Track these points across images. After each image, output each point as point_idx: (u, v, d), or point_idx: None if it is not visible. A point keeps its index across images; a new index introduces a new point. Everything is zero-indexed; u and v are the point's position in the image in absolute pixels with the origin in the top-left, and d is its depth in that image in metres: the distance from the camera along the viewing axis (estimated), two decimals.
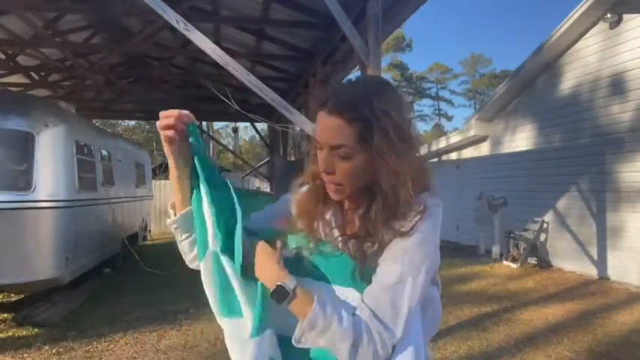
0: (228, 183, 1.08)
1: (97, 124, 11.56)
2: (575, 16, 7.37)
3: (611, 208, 7.13)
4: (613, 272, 7.05)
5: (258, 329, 0.96)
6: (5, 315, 5.38)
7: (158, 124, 0.99)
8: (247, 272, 1.00)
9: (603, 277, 7.14)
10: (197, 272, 1.10)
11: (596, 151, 7.38)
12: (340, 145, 0.93)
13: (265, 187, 14.18)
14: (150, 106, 12.48)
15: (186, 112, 1.01)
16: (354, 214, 1.02)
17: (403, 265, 0.90)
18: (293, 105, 6.25)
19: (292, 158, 12.81)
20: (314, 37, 6.84)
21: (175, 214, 1.10)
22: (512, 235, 8.61)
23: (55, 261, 5.29)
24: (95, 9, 6.19)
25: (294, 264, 1.00)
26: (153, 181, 13.26)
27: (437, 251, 0.95)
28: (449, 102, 53.84)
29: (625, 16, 6.87)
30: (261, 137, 17.14)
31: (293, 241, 1.06)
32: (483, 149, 10.73)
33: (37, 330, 4.89)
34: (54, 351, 4.29)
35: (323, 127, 0.95)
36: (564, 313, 5.42)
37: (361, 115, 0.91)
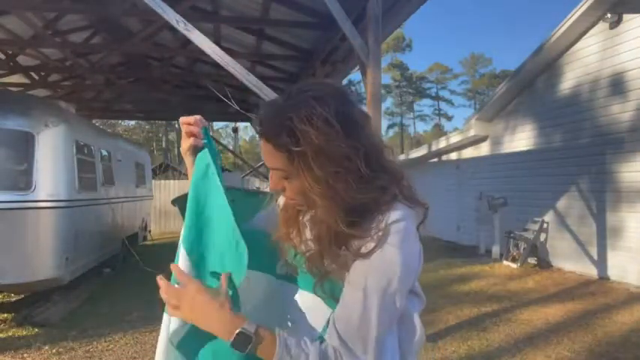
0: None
1: (97, 124, 11.56)
2: (575, 16, 7.37)
3: (611, 208, 7.13)
4: (613, 272, 7.05)
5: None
6: (5, 315, 5.38)
7: (185, 129, 1.06)
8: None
9: (603, 277, 7.14)
10: None
11: (596, 151, 7.38)
12: (277, 168, 0.94)
13: (265, 187, 14.17)
14: (150, 106, 12.48)
15: (199, 117, 1.09)
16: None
17: (367, 289, 0.86)
18: None
19: None
20: (314, 37, 6.84)
21: None
22: (512, 235, 8.61)
23: (55, 261, 5.29)
24: (95, 9, 6.19)
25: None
26: (153, 181, 13.26)
27: (407, 267, 0.88)
28: (449, 102, 53.95)
29: (625, 16, 6.88)
30: None
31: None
32: (483, 149, 10.73)
33: (37, 330, 4.89)
34: (54, 351, 4.29)
35: (262, 150, 0.95)
36: (564, 313, 5.42)
37: (282, 142, 0.89)
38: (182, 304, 0.90)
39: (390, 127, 53.54)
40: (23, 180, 5.10)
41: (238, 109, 7.22)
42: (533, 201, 8.80)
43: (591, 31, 7.53)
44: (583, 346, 4.37)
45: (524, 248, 8.34)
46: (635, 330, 4.79)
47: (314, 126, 0.86)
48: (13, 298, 6.21)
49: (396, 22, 5.49)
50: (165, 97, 11.04)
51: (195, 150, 1.08)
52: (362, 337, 0.87)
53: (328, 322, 0.93)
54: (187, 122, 1.07)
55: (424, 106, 54.75)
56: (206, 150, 1.07)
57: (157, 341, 1.07)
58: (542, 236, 8.46)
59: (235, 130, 17.33)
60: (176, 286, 0.94)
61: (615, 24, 7.02)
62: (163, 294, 0.93)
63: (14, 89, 8.73)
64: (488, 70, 51.47)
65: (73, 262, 5.66)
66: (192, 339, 0.97)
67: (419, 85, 52.72)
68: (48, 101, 7.32)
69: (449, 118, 55.06)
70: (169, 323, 0.99)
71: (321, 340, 0.92)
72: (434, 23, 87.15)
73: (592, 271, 7.36)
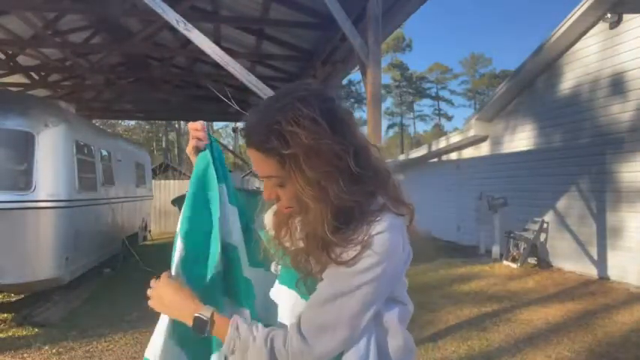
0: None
1: (97, 124, 11.57)
2: (575, 17, 7.37)
3: (611, 208, 7.13)
4: (613, 272, 7.04)
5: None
6: (5, 315, 5.37)
7: (193, 134, 1.16)
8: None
9: (603, 277, 7.14)
10: None
11: (596, 151, 7.38)
12: (269, 175, 0.94)
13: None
14: (150, 106, 12.49)
15: (203, 122, 1.20)
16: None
17: (334, 289, 0.88)
18: None
19: None
20: (314, 37, 6.84)
21: None
22: (512, 235, 8.60)
23: (55, 261, 5.29)
24: (95, 9, 6.19)
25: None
26: (153, 181, 13.26)
27: (384, 277, 0.89)
28: (449, 102, 53.90)
29: (625, 16, 6.87)
30: None
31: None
32: (483, 149, 10.73)
33: (37, 330, 4.89)
34: (54, 351, 4.29)
35: (252, 159, 0.96)
36: (564, 313, 5.41)
37: (272, 146, 0.89)
38: (154, 296, 1.02)
39: (390, 127, 53.56)
40: (23, 180, 5.09)
41: (238, 109, 7.19)
42: (533, 201, 8.80)
43: (591, 31, 7.53)
44: (583, 346, 4.37)
45: (524, 248, 8.34)
46: (635, 330, 4.79)
47: (302, 126, 0.87)
48: (13, 298, 6.21)
49: (396, 22, 5.49)
50: (165, 97, 11.04)
51: (199, 151, 1.18)
52: (318, 323, 0.89)
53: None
54: (195, 128, 1.16)
55: (424, 106, 54.77)
56: (207, 151, 1.17)
57: None
58: (542, 236, 8.46)
59: (235, 130, 17.34)
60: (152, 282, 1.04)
61: (615, 24, 7.02)
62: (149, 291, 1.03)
63: (14, 89, 8.73)
64: (488, 70, 51.49)
65: (73, 262, 5.66)
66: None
67: (419, 85, 52.69)
68: (48, 101, 7.32)
69: (449, 118, 55.07)
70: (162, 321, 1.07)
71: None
72: (434, 23, 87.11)
73: (592, 271, 7.36)
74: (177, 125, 40.07)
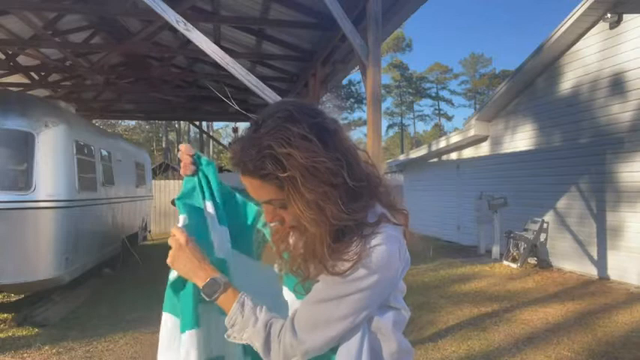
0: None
1: (97, 124, 11.56)
2: (575, 16, 7.37)
3: (610, 208, 7.13)
4: (613, 272, 7.05)
5: (187, 324, 1.01)
6: (5, 315, 5.38)
7: (182, 158, 1.19)
8: None
9: (603, 277, 7.14)
10: None
11: (596, 151, 7.38)
12: (269, 200, 0.94)
13: None
14: (150, 106, 12.47)
15: (187, 145, 1.21)
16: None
17: (328, 291, 0.91)
18: None
19: None
20: (314, 37, 6.83)
21: None
22: (512, 235, 8.60)
23: (55, 261, 5.29)
24: (95, 9, 6.19)
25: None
26: (153, 181, 13.26)
27: (377, 287, 0.91)
28: (449, 102, 53.85)
29: (625, 16, 6.88)
30: None
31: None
32: (483, 149, 10.73)
33: (37, 330, 4.89)
34: (54, 351, 4.29)
35: (247, 187, 0.95)
36: (564, 313, 5.42)
37: (268, 171, 0.88)
38: (172, 253, 1.01)
39: (390, 127, 53.56)
40: (23, 180, 5.09)
41: (238, 109, 7.22)
42: (533, 201, 8.80)
43: (591, 31, 7.53)
44: (583, 346, 4.37)
45: (524, 248, 8.34)
46: (635, 330, 4.79)
47: (294, 147, 0.86)
48: (13, 298, 6.21)
49: (396, 22, 5.49)
50: (165, 97, 11.04)
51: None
52: (310, 320, 0.92)
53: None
54: (182, 151, 1.19)
55: (424, 106, 54.72)
56: (194, 177, 1.19)
57: (157, 341, 1.07)
58: (542, 236, 8.46)
59: (235, 130, 17.31)
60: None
61: (615, 24, 7.02)
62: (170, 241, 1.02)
63: (14, 89, 8.73)
64: (488, 70, 51.47)
65: (72, 262, 5.66)
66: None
67: (419, 85, 52.66)
68: (48, 101, 7.32)
69: (449, 118, 55.04)
70: (167, 321, 1.07)
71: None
72: (434, 23, 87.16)
73: (592, 271, 7.36)
74: (177, 125, 40.05)
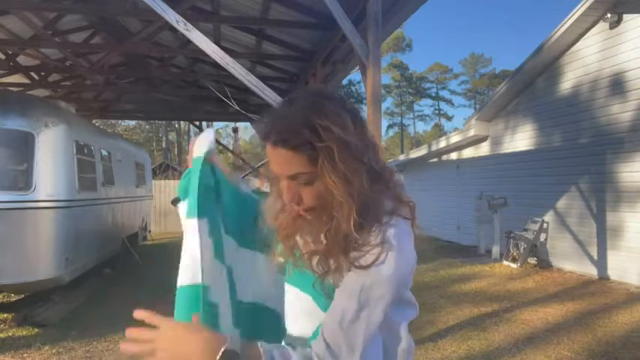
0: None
1: (97, 124, 11.56)
2: (575, 16, 7.37)
3: (610, 208, 7.13)
4: (613, 272, 7.05)
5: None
6: (5, 315, 5.38)
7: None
8: None
9: (603, 277, 7.14)
10: None
11: (596, 151, 7.38)
12: (297, 174, 0.90)
13: (265, 186, 14.15)
14: (150, 106, 12.47)
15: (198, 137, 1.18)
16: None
17: (359, 303, 0.88)
18: None
19: None
20: (314, 37, 6.83)
21: None
22: (512, 235, 8.60)
23: (55, 261, 5.29)
24: (95, 9, 6.19)
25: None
26: (153, 181, 13.26)
27: (399, 282, 0.90)
28: (449, 102, 53.91)
29: (625, 16, 6.88)
30: None
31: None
32: (483, 149, 10.73)
33: (37, 330, 4.89)
34: (54, 351, 4.30)
35: (274, 161, 0.92)
36: (564, 313, 5.42)
37: (304, 140, 0.86)
38: (158, 343, 0.83)
39: (390, 127, 53.59)
40: (23, 180, 5.09)
41: (238, 109, 7.22)
42: (533, 201, 8.80)
43: (591, 31, 7.53)
44: (583, 346, 4.37)
45: (524, 248, 8.34)
46: (635, 330, 4.79)
47: (331, 120, 0.87)
48: (13, 298, 6.21)
49: (396, 22, 5.49)
50: (165, 97, 11.03)
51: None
52: (349, 345, 0.88)
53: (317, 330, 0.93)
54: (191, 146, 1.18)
55: (424, 106, 54.77)
56: (186, 177, 1.16)
57: None
58: (542, 236, 8.46)
59: (235, 130, 17.31)
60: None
61: (615, 24, 7.02)
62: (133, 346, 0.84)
63: (14, 89, 8.73)
64: (488, 70, 51.52)
65: (72, 262, 5.66)
66: None
67: (419, 85, 52.68)
68: (48, 101, 7.32)
69: (449, 118, 55.10)
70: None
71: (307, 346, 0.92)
72: (434, 23, 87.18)
73: (592, 271, 7.36)
74: (177, 125, 40.07)
